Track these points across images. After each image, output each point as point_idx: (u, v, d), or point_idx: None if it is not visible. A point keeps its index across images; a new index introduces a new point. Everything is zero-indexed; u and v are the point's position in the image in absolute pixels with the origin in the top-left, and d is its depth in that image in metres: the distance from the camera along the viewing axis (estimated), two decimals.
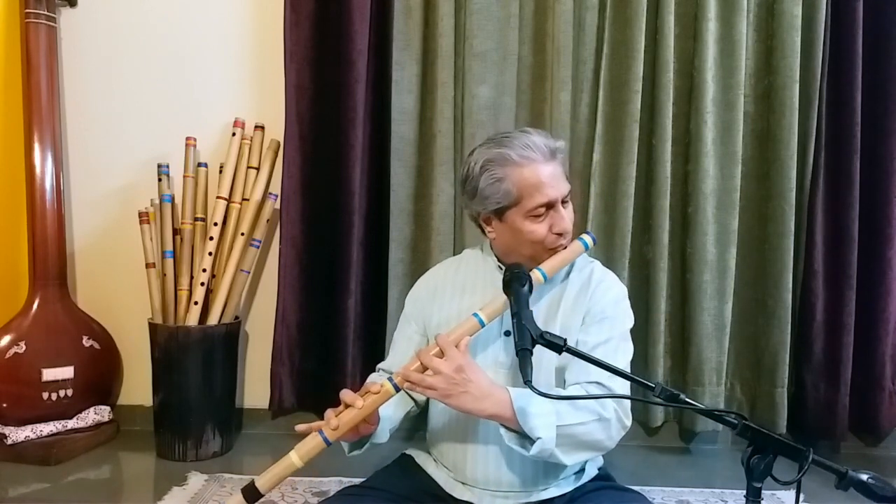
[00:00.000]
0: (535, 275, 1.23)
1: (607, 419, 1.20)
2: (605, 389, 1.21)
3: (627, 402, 1.26)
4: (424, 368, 1.16)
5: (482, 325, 1.21)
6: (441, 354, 1.16)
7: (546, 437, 1.13)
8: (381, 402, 1.17)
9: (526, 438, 1.16)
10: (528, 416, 1.14)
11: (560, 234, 1.28)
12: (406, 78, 2.20)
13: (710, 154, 2.17)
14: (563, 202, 1.30)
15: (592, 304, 1.31)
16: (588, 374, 1.22)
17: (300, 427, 1.20)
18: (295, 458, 1.16)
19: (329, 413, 1.18)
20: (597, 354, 1.17)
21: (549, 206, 1.27)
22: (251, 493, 1.15)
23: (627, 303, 1.37)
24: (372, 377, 1.43)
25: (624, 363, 1.29)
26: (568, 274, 1.36)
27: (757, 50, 2.22)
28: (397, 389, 1.17)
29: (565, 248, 1.29)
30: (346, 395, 1.19)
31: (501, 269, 1.35)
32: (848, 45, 2.13)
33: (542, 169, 1.26)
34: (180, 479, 1.92)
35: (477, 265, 1.43)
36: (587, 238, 1.32)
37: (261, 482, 1.15)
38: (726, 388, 2.25)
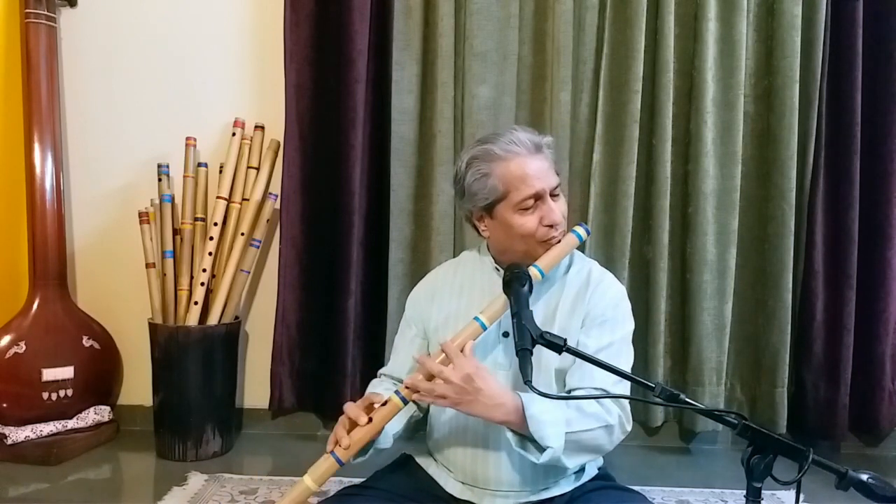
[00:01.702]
0: (532, 272, 1.23)
1: (612, 425, 1.21)
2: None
3: (629, 407, 1.26)
4: (431, 377, 1.16)
5: (484, 328, 1.21)
6: (447, 361, 1.16)
7: (556, 445, 1.14)
8: (390, 416, 1.18)
9: (533, 443, 1.16)
10: (540, 424, 1.14)
11: (551, 226, 1.27)
12: (406, 78, 2.20)
13: (710, 154, 2.17)
14: (553, 195, 1.29)
15: (591, 306, 1.31)
16: (592, 380, 1.22)
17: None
18: (309, 481, 1.16)
19: (339, 429, 1.18)
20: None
21: (537, 197, 1.26)
22: None
23: (627, 303, 1.36)
24: (373, 383, 1.43)
25: (625, 368, 1.29)
26: (566, 273, 1.36)
27: (757, 50, 2.22)
28: (405, 402, 1.17)
29: (559, 241, 1.29)
30: (349, 409, 1.19)
31: (498, 269, 1.36)
32: (848, 45, 2.13)
33: (526, 162, 1.27)
34: (180, 479, 1.92)
35: (474, 266, 1.43)
36: (580, 230, 1.31)
37: None
38: (726, 388, 2.24)
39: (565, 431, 1.15)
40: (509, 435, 1.18)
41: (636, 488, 1.38)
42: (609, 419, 1.20)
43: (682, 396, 0.95)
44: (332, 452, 1.16)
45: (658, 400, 0.95)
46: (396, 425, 1.33)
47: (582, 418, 1.18)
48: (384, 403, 1.18)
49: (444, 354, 1.17)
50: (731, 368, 2.26)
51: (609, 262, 2.15)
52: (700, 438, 2.31)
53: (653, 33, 2.17)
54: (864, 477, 0.88)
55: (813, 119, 2.16)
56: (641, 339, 2.21)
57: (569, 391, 1.26)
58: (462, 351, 1.17)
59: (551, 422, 1.14)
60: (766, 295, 2.21)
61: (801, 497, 0.92)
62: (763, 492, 0.90)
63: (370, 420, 1.17)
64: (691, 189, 2.20)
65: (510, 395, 1.17)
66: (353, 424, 1.18)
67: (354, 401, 1.23)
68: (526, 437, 1.17)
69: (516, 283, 1.18)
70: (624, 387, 1.23)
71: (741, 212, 2.20)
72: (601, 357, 1.22)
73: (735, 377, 2.28)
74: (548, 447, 1.13)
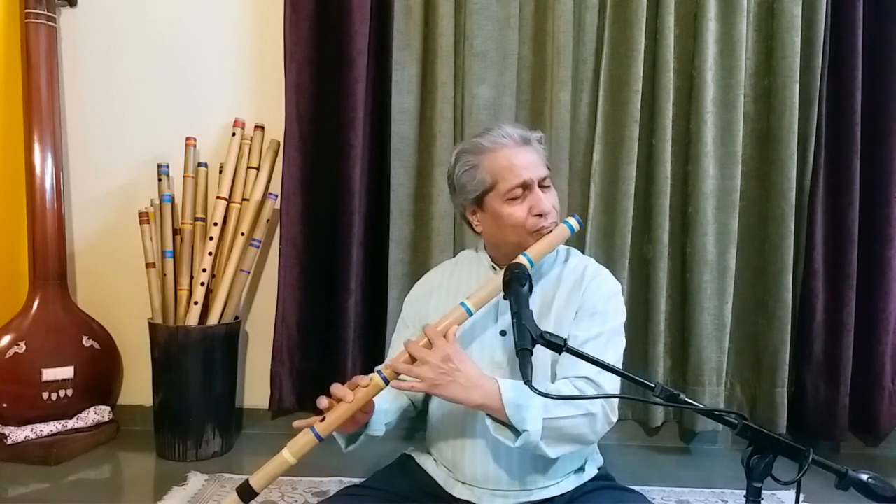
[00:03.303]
0: (521, 260, 1.23)
1: (593, 414, 1.21)
2: (594, 385, 1.22)
3: (615, 399, 1.26)
4: (413, 360, 1.17)
5: (469, 313, 1.22)
6: (429, 345, 1.17)
7: (533, 429, 1.14)
8: (370, 395, 1.17)
9: (512, 429, 1.16)
10: (517, 409, 1.15)
11: (540, 216, 1.28)
12: (406, 78, 2.20)
13: (710, 154, 2.17)
14: (543, 186, 1.31)
15: (585, 299, 1.32)
16: (577, 369, 1.22)
17: (298, 423, 1.19)
18: (288, 455, 1.15)
19: (322, 401, 1.18)
20: (588, 349, 1.18)
21: (525, 187, 1.28)
22: (246, 492, 1.14)
23: (620, 298, 1.37)
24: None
25: (615, 358, 1.30)
26: (564, 264, 1.37)
27: (757, 50, 2.22)
28: (386, 382, 1.17)
29: (550, 231, 1.29)
30: (336, 388, 1.18)
31: (495, 267, 1.37)
32: (848, 45, 2.13)
33: (513, 153, 1.29)
34: (180, 479, 1.92)
35: (471, 265, 1.44)
36: (572, 221, 1.32)
37: (254, 480, 1.15)
38: (726, 388, 2.24)
39: (543, 417, 1.15)
40: (488, 421, 1.18)
41: (636, 488, 1.38)
42: (591, 407, 1.20)
43: (682, 396, 0.95)
44: (311, 427, 1.15)
45: (658, 400, 0.95)
46: (389, 415, 1.33)
47: (562, 405, 1.18)
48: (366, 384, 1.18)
49: (425, 339, 1.18)
50: (731, 368, 2.26)
51: (609, 262, 2.14)
52: (700, 438, 2.31)
53: (653, 33, 2.17)
54: (864, 477, 0.88)
55: (813, 119, 2.16)
56: (641, 339, 2.21)
57: (555, 380, 1.26)
58: (445, 336, 1.17)
59: (529, 406, 1.15)
60: (766, 295, 2.21)
61: (801, 497, 0.92)
62: (763, 492, 0.90)
63: (351, 399, 1.15)
64: (691, 189, 2.20)
65: (488, 379, 1.18)
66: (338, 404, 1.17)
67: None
68: (504, 423, 1.17)
69: (516, 283, 1.17)
70: (610, 375, 1.22)
71: (741, 212, 2.20)
72: (590, 346, 1.24)
73: (735, 377, 2.28)
74: (524, 430, 1.13)
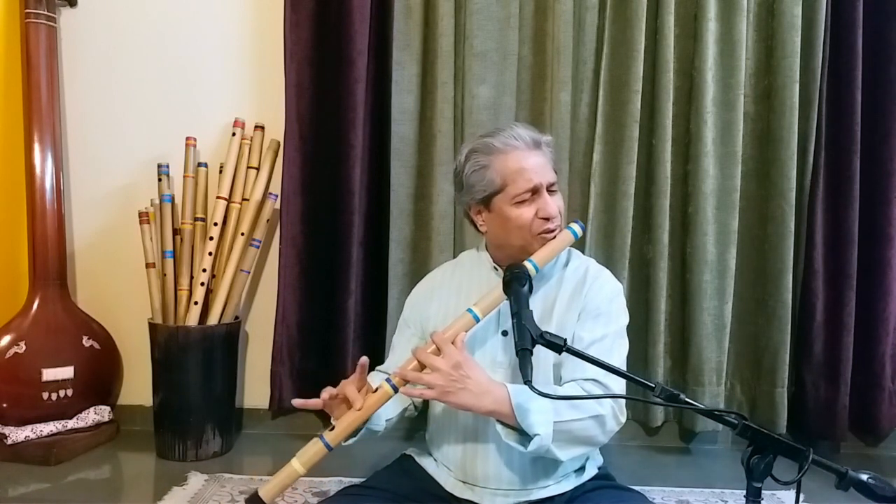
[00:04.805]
0: (527, 266, 1.24)
1: (603, 415, 1.21)
2: (602, 387, 1.22)
3: (623, 399, 1.26)
4: (422, 367, 1.17)
5: (477, 320, 1.22)
6: (438, 352, 1.17)
7: (544, 433, 1.14)
8: (380, 403, 1.18)
9: (523, 435, 1.16)
10: (527, 413, 1.15)
11: (546, 220, 1.29)
12: (406, 78, 2.20)
13: (710, 154, 2.17)
14: (550, 191, 1.31)
15: (588, 301, 1.32)
16: (584, 372, 1.22)
17: (297, 402, 1.22)
18: (297, 465, 1.16)
19: (326, 396, 1.19)
20: (592, 352, 1.18)
21: (534, 191, 1.28)
22: (255, 502, 1.14)
23: (622, 299, 1.38)
24: (371, 377, 1.43)
25: (619, 360, 1.30)
26: (564, 268, 1.37)
27: (757, 50, 2.22)
28: (395, 390, 1.17)
29: (554, 236, 1.30)
30: (345, 384, 1.21)
31: (497, 268, 1.37)
32: (848, 45, 2.13)
33: (524, 156, 1.29)
34: (180, 479, 1.92)
35: (472, 265, 1.44)
36: (576, 227, 1.33)
37: (264, 491, 1.15)
38: (726, 388, 2.24)
39: (553, 420, 1.15)
40: (498, 427, 1.18)
41: (636, 488, 1.38)
42: (600, 409, 1.21)
43: (682, 396, 0.95)
44: (320, 437, 1.16)
45: (658, 400, 0.95)
46: (390, 412, 1.33)
47: (571, 408, 1.19)
48: (375, 391, 1.19)
49: (434, 346, 1.18)
50: (731, 368, 2.26)
51: (609, 262, 2.14)
52: (700, 438, 2.31)
53: (653, 33, 2.17)
54: (864, 477, 0.88)
55: (813, 119, 2.16)
56: (641, 339, 2.21)
57: (563, 384, 1.26)
58: (454, 343, 1.17)
59: (538, 410, 1.15)
60: (766, 295, 2.21)
61: (801, 497, 0.92)
62: (763, 492, 0.90)
63: (360, 407, 1.17)
64: (691, 189, 2.20)
65: (498, 385, 1.18)
66: (346, 400, 1.19)
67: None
68: (514, 428, 1.17)
69: (516, 283, 1.18)
70: (617, 377, 1.22)
71: (741, 212, 2.20)
72: (594, 349, 1.24)
73: (735, 377, 2.28)
74: (535, 435, 1.13)
